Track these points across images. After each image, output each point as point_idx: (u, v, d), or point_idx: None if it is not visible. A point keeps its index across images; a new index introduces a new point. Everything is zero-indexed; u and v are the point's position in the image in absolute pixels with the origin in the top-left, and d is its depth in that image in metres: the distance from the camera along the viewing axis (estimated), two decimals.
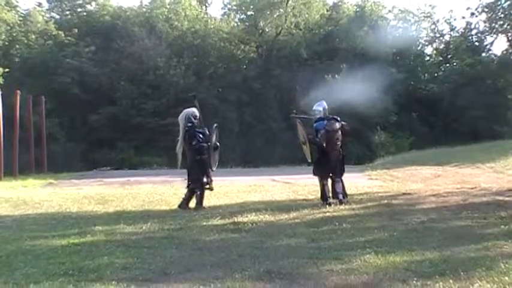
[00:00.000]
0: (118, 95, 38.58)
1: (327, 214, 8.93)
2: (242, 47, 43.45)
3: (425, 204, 9.90)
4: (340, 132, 10.12)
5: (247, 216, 8.74)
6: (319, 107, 10.29)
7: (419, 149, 28.66)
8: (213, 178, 10.37)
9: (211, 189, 10.31)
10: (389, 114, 39.43)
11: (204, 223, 8.35)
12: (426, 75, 45.93)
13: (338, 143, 10.11)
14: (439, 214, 8.78)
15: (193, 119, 10.15)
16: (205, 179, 10.11)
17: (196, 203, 10.11)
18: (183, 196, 10.29)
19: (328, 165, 10.02)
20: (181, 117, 10.21)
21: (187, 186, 10.31)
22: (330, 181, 10.20)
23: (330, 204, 9.65)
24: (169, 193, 12.67)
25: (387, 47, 40.88)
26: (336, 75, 36.51)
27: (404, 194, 11.43)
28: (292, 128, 18.11)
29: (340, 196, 9.91)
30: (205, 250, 6.50)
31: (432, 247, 6.35)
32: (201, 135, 10.09)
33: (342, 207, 9.60)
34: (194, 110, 10.29)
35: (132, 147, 36.81)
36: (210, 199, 10.67)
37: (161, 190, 13.34)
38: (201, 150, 10.03)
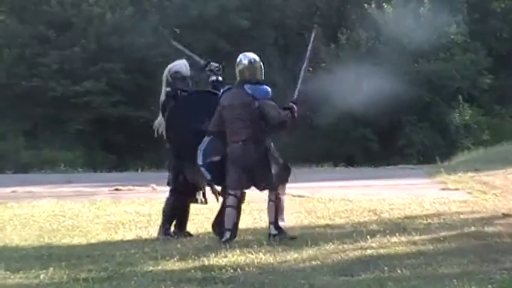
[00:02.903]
0: None
1: (368, 251, 8.17)
2: None
3: None
4: (252, 111, 9.19)
5: (226, 256, 8.00)
6: (245, 60, 9.39)
7: None
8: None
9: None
10: (479, 75, 37.34)
11: (151, 268, 7.54)
12: None
13: (245, 128, 9.18)
14: None
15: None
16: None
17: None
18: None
19: (232, 168, 9.20)
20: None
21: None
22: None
23: (224, 242, 8.95)
24: (88, 215, 12.18)
25: None
26: (384, 3, 35.83)
27: (506, 215, 11.03)
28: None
29: (273, 229, 9.14)
30: None
31: None
32: None
33: (394, 239, 8.81)
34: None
35: (19, 132, 35.06)
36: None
37: (72, 210, 12.83)
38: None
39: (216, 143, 9.19)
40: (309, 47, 9.91)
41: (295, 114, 9.09)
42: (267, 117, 8.98)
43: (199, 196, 9.77)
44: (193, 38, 36.40)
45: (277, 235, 9.00)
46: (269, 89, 9.19)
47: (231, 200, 9.09)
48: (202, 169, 9.20)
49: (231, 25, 39.08)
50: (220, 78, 9.81)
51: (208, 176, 9.20)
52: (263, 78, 9.38)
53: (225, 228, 9.05)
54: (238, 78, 9.24)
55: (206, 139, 9.28)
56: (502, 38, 38.88)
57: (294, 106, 9.12)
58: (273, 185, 9.15)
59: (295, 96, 9.33)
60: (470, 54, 36.63)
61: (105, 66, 35.61)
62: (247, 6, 40.09)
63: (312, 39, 9.97)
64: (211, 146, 9.24)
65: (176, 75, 9.55)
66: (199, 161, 9.21)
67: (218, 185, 9.31)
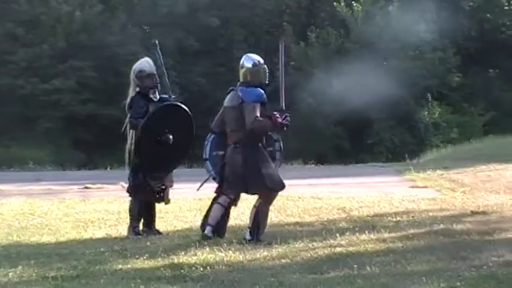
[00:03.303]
0: None
1: (338, 249, 8.26)
2: None
3: None
4: (240, 114, 9.11)
5: (195, 254, 8.05)
6: (249, 63, 9.28)
7: (501, 134, 28.07)
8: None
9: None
10: (448, 73, 37.42)
11: (120, 266, 7.57)
12: None
13: (236, 131, 9.10)
14: None
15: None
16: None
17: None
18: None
19: (227, 169, 9.20)
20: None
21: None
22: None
23: (206, 237, 8.97)
24: (57, 213, 11.97)
25: None
26: (353, 1, 36.07)
27: (474, 213, 11.05)
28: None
29: (247, 234, 9.06)
30: None
31: None
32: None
33: (364, 237, 8.92)
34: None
35: None
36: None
37: (42, 208, 12.58)
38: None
39: (219, 140, 9.23)
40: (281, 61, 9.83)
41: (278, 121, 9.02)
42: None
43: (161, 195, 9.79)
44: (162, 35, 36.48)
45: (250, 241, 8.97)
46: (261, 93, 9.11)
47: (222, 199, 9.11)
48: (208, 163, 9.25)
49: (201, 23, 38.82)
50: None
51: (213, 174, 9.23)
52: (267, 82, 9.30)
53: (207, 223, 9.08)
54: (240, 80, 9.21)
55: (210, 134, 9.38)
56: (470, 36, 38.75)
57: (276, 114, 9.05)
58: (261, 190, 9.11)
59: (281, 105, 9.30)
60: (439, 53, 36.72)
61: (74, 64, 35.28)
62: (216, 4, 40.01)
63: (281, 52, 9.90)
64: (215, 142, 9.30)
65: (141, 74, 9.57)
66: (205, 155, 9.26)
67: (219, 183, 9.28)
